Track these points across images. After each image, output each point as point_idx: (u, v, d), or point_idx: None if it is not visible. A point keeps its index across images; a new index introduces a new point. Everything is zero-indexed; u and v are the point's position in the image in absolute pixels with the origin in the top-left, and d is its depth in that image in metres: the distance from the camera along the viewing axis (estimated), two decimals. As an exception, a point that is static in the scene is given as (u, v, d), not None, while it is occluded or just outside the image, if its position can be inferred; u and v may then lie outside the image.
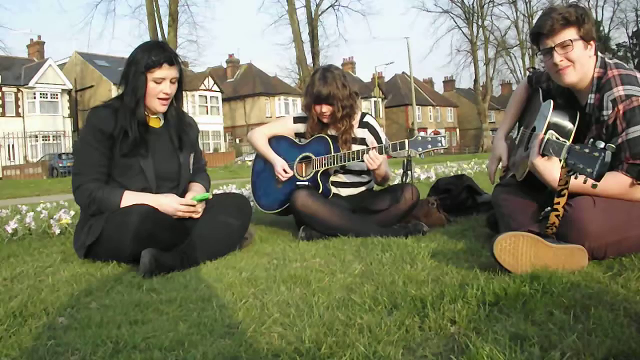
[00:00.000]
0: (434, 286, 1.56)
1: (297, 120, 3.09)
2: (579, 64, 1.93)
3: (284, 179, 2.92)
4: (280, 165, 2.93)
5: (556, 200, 1.70)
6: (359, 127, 2.97)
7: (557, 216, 1.72)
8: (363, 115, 3.01)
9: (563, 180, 1.65)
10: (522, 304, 1.37)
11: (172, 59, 2.28)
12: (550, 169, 1.81)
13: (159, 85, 2.27)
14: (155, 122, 2.41)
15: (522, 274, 1.59)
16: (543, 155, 1.80)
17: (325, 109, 2.83)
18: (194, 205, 2.30)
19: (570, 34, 1.91)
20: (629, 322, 1.20)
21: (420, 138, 2.57)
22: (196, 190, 2.43)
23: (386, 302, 1.45)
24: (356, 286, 1.65)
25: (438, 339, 1.21)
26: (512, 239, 1.66)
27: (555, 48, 1.93)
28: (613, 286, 1.49)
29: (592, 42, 1.92)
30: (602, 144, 1.46)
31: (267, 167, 3.08)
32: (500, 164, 2.37)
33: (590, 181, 1.48)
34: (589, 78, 1.95)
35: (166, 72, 2.26)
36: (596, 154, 1.46)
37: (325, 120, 2.89)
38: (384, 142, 2.88)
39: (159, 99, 2.29)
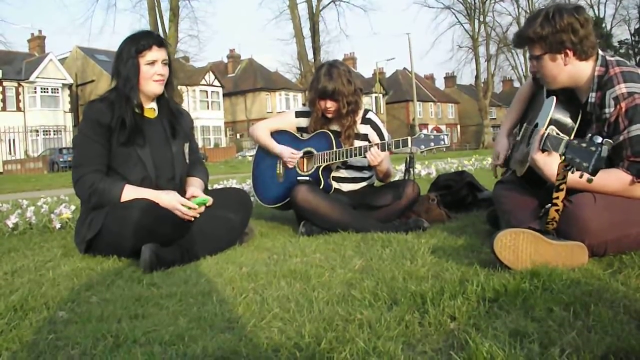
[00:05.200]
0: (434, 282, 1.56)
1: (299, 114, 3.09)
2: (549, 77, 1.98)
3: (294, 162, 2.92)
4: (287, 151, 2.94)
5: (555, 195, 1.70)
6: (361, 123, 2.97)
7: (557, 211, 1.73)
8: (366, 111, 3.01)
9: (561, 175, 1.66)
10: (522, 300, 1.37)
11: (160, 41, 2.34)
12: (550, 164, 1.81)
13: (152, 67, 2.31)
14: (150, 113, 2.42)
15: (522, 270, 1.59)
16: (543, 150, 1.80)
17: (330, 104, 2.83)
18: (195, 209, 2.27)
19: (535, 49, 1.96)
20: (628, 320, 1.21)
21: (423, 136, 2.57)
22: (195, 186, 2.43)
23: (386, 298, 1.45)
24: (356, 282, 1.65)
25: (438, 334, 1.21)
26: (512, 236, 1.66)
27: (531, 59, 2.00)
28: (613, 283, 1.49)
29: (566, 51, 1.89)
30: (599, 139, 1.46)
31: (267, 163, 3.07)
32: (499, 160, 2.39)
33: (586, 176, 1.49)
34: (583, 79, 1.94)
35: (157, 53, 2.31)
36: (593, 148, 1.47)
37: (329, 116, 2.89)
38: (386, 138, 2.89)
39: (154, 80, 2.32)
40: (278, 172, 3.01)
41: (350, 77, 2.85)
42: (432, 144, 2.55)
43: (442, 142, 2.56)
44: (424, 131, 2.64)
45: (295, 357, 1.11)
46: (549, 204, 1.79)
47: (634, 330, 1.14)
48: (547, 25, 1.89)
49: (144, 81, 2.31)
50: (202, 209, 2.29)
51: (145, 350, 1.16)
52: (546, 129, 1.84)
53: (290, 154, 2.93)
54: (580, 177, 1.51)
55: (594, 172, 1.46)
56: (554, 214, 1.73)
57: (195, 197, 2.30)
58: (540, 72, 2.02)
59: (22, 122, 28.92)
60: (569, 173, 1.60)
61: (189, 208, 2.23)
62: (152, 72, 2.30)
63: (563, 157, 1.60)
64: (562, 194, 1.69)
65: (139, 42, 2.29)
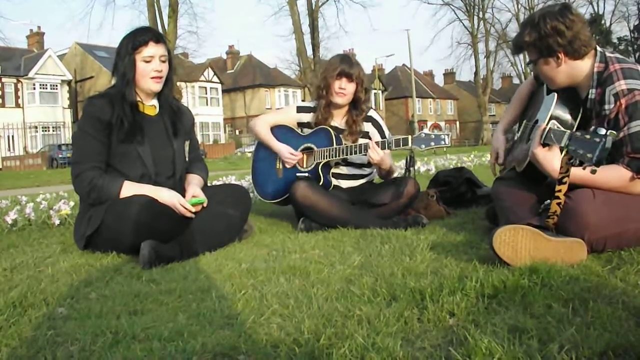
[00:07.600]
0: (433, 278, 1.57)
1: (300, 110, 3.08)
2: (548, 79, 2.02)
3: (293, 162, 2.92)
4: (286, 150, 2.93)
5: (557, 187, 1.71)
6: (363, 120, 2.97)
7: (558, 204, 1.73)
8: (367, 109, 3.01)
9: (564, 168, 1.66)
10: (520, 296, 1.37)
11: (158, 37, 2.31)
12: (551, 159, 1.81)
13: (149, 64, 2.28)
14: (151, 110, 2.41)
15: (521, 266, 1.59)
16: (544, 145, 1.81)
17: (346, 84, 2.84)
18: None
19: (529, 55, 2.02)
20: (627, 316, 1.21)
21: (424, 135, 2.56)
22: (195, 184, 2.42)
23: (385, 294, 1.45)
24: (355, 278, 1.65)
25: (437, 331, 1.21)
26: (511, 232, 1.66)
27: (528, 63, 2.08)
28: (612, 280, 1.50)
29: (557, 54, 1.91)
30: (603, 131, 1.49)
31: (267, 157, 3.07)
32: (498, 158, 2.39)
33: (588, 170, 1.50)
34: (581, 77, 1.95)
35: (153, 49, 2.28)
36: (597, 139, 1.49)
37: (340, 101, 2.87)
38: (387, 136, 2.88)
39: (151, 78, 2.30)
40: (278, 167, 3.01)
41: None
42: (433, 143, 2.55)
43: (443, 142, 2.56)
44: (425, 130, 2.64)
45: (295, 353, 1.11)
46: (548, 201, 1.80)
47: (632, 326, 1.15)
48: (533, 32, 1.93)
49: (141, 78, 2.29)
50: (199, 207, 2.29)
51: (144, 346, 1.16)
52: (547, 125, 1.84)
53: (288, 154, 2.92)
54: (584, 168, 1.53)
55: (598, 163, 1.47)
56: (555, 207, 1.74)
57: (196, 197, 2.30)
58: (540, 74, 2.07)
59: (21, 119, 28.86)
60: (572, 167, 1.62)
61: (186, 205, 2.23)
62: (149, 69, 2.28)
63: (566, 150, 1.61)
64: (564, 187, 1.70)
65: (135, 39, 2.27)
